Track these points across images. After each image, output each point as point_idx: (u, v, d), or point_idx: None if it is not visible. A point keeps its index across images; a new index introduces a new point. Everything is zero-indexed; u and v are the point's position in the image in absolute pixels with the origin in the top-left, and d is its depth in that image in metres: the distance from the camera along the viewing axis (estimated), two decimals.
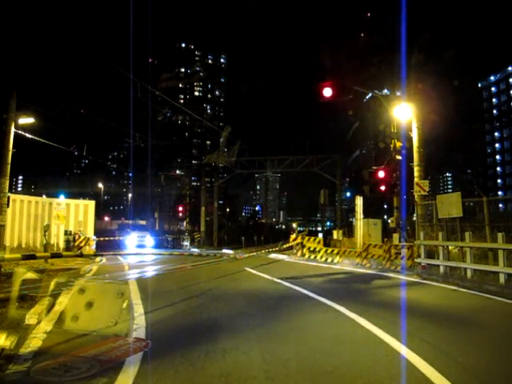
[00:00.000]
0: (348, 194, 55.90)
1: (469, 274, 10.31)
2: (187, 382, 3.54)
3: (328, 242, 21.97)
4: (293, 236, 20.82)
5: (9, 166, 16.10)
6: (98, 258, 16.95)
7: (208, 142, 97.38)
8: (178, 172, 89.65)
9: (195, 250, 27.23)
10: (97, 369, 3.70)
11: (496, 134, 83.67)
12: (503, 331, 5.64)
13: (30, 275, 6.82)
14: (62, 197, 28.10)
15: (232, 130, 38.71)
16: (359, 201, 18.72)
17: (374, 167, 16.62)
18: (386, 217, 34.81)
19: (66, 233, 19.01)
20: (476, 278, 10.03)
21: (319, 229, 59.17)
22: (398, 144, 15.20)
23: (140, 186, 69.04)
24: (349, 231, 24.30)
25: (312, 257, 18.01)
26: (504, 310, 7.35)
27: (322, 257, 17.46)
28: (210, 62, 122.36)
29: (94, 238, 21.06)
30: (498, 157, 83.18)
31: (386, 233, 19.41)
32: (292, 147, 35.69)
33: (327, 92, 13.52)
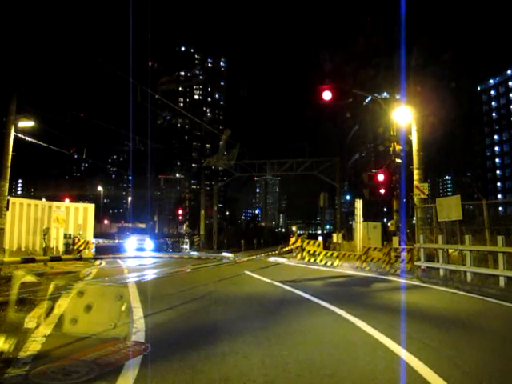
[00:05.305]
0: (348, 197, 56.01)
1: (469, 277, 10.30)
2: None
3: (328, 245, 21.97)
4: (292, 239, 20.83)
5: (8, 169, 16.09)
6: (97, 262, 16.92)
7: (208, 146, 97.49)
8: (177, 175, 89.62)
9: (195, 253, 27.19)
10: (96, 372, 3.69)
11: (495, 137, 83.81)
12: (503, 334, 5.63)
13: (30, 278, 6.82)
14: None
15: (232, 133, 38.72)
16: (359, 204, 18.72)
17: (374, 170, 16.65)
18: (385, 220, 34.79)
19: (65, 236, 18.98)
20: (476, 282, 10.02)
21: (319, 232, 59.20)
22: (398, 147, 15.24)
23: (140, 189, 69.02)
24: (348, 234, 24.29)
25: (312, 260, 17.99)
26: (504, 313, 7.34)
27: (321, 260, 17.45)
28: (209, 65, 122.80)
29: (94, 241, 21.07)
30: (497, 160, 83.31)
31: (386, 236, 19.43)
32: (292, 150, 35.87)
33: (327, 95, 13.52)
